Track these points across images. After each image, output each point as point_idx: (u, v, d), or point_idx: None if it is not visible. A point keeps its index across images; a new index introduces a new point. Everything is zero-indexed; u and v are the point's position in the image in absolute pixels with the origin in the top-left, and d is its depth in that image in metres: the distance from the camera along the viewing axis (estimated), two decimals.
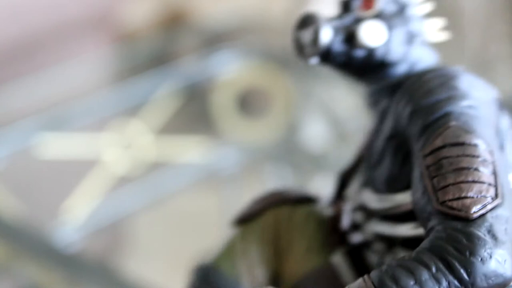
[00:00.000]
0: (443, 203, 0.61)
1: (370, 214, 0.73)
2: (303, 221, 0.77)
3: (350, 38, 0.73)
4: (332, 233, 0.76)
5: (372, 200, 0.72)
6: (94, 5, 2.37)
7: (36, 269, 1.38)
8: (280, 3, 2.34)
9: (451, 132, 0.64)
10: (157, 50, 2.29)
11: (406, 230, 0.70)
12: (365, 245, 0.75)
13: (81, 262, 1.39)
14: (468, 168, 0.62)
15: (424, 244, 0.61)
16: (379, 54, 0.73)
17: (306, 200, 0.79)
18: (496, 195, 0.61)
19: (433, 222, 0.61)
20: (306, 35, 0.73)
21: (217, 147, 1.76)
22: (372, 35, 0.72)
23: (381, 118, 0.74)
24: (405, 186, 0.69)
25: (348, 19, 0.73)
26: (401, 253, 0.70)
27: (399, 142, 0.70)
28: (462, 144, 0.63)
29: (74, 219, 1.53)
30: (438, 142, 0.63)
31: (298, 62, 0.77)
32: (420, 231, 0.68)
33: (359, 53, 0.73)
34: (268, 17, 2.35)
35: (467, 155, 0.62)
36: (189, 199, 1.72)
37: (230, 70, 2.10)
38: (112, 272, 1.32)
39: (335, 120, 1.87)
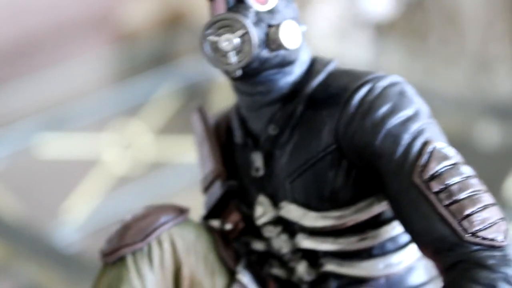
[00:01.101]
0: (473, 234, 0.60)
1: (294, 229, 0.69)
2: (195, 241, 0.71)
3: (267, 41, 0.65)
4: (225, 249, 0.72)
5: (307, 217, 0.68)
6: (94, 5, 2.37)
7: (36, 269, 1.38)
8: None
9: (438, 152, 0.63)
10: (157, 50, 2.29)
11: (347, 244, 0.68)
12: (263, 255, 0.72)
13: (81, 262, 1.39)
14: (477, 192, 0.62)
15: (472, 276, 0.60)
16: (283, 54, 0.67)
17: (185, 214, 0.72)
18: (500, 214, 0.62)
19: (461, 253, 0.61)
20: (228, 41, 0.63)
21: None
22: (291, 37, 0.65)
23: (283, 127, 0.68)
24: (347, 200, 0.67)
25: (252, 17, 0.65)
26: (327, 265, 0.69)
27: (339, 157, 0.66)
28: (455, 164, 0.63)
29: (74, 219, 1.53)
30: (434, 166, 0.62)
31: None
32: (362, 244, 0.68)
33: (270, 56, 0.66)
34: None
35: (467, 176, 0.62)
36: (189, 199, 1.72)
37: None
38: None
39: None
